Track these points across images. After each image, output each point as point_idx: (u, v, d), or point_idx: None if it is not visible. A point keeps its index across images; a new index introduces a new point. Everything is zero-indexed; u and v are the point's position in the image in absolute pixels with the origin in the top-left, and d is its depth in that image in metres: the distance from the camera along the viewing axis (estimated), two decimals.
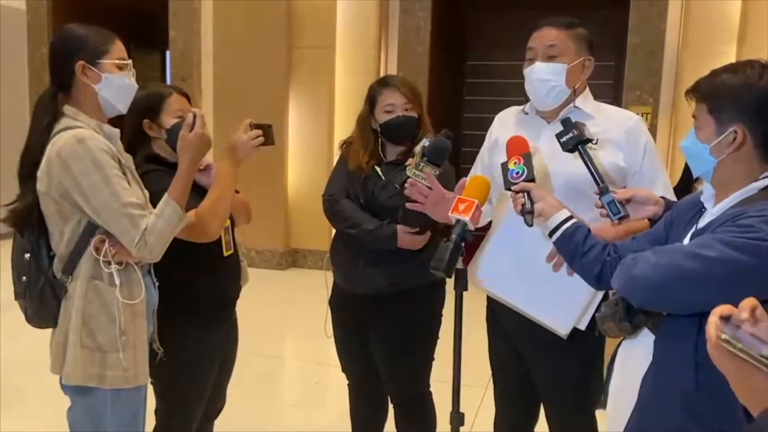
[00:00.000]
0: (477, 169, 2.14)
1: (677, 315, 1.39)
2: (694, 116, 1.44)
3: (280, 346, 4.46)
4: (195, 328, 2.03)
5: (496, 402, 2.17)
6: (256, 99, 5.75)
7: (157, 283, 1.89)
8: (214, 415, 2.27)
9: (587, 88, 1.98)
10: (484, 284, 1.99)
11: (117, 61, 1.78)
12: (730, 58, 4.64)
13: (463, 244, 1.64)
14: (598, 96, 2.02)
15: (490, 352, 2.16)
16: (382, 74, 5.60)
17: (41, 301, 1.77)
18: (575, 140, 1.75)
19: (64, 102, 1.77)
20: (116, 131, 1.84)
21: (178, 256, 1.86)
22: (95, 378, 1.73)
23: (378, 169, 2.30)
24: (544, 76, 1.88)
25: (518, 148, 1.77)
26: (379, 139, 2.32)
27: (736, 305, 1.32)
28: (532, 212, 1.65)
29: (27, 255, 1.77)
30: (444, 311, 2.38)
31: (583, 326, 1.84)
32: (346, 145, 2.43)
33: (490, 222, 2.10)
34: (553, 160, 1.88)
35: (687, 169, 3.47)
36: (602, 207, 1.70)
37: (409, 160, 2.08)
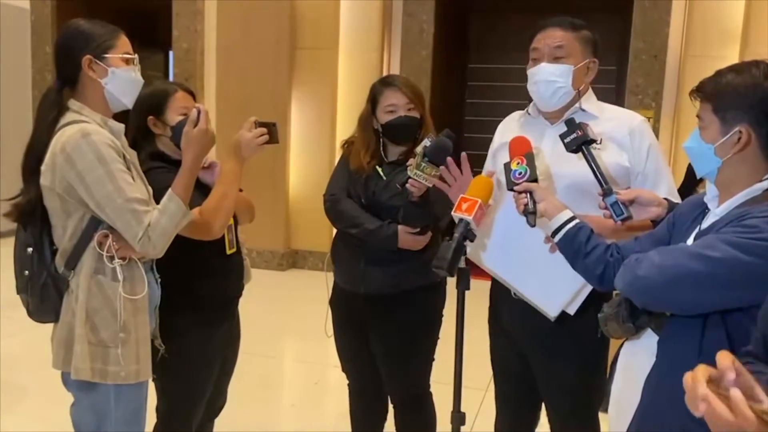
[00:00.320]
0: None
1: (681, 316, 1.39)
2: (698, 116, 1.43)
3: (280, 347, 4.45)
4: (197, 326, 2.03)
5: (497, 403, 2.17)
6: (259, 99, 5.75)
7: (159, 280, 1.89)
8: (214, 413, 2.27)
9: (590, 89, 1.97)
10: (482, 260, 1.98)
11: (123, 55, 1.78)
12: (733, 62, 4.61)
13: (465, 243, 1.64)
14: (600, 100, 2.02)
15: (491, 352, 2.15)
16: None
17: (43, 295, 1.77)
18: (579, 141, 1.75)
19: (70, 96, 1.78)
20: (121, 126, 1.84)
21: (182, 254, 1.86)
22: (98, 373, 1.73)
23: (379, 169, 2.30)
24: (550, 77, 1.87)
25: (521, 148, 1.77)
26: (381, 139, 2.32)
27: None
28: (534, 212, 1.64)
29: (30, 249, 1.77)
30: (444, 312, 2.38)
31: (572, 311, 1.83)
32: (348, 144, 2.43)
33: None
34: (557, 160, 1.88)
35: (689, 173, 3.47)
36: (605, 208, 1.70)
37: (410, 160, 2.09)
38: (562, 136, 1.78)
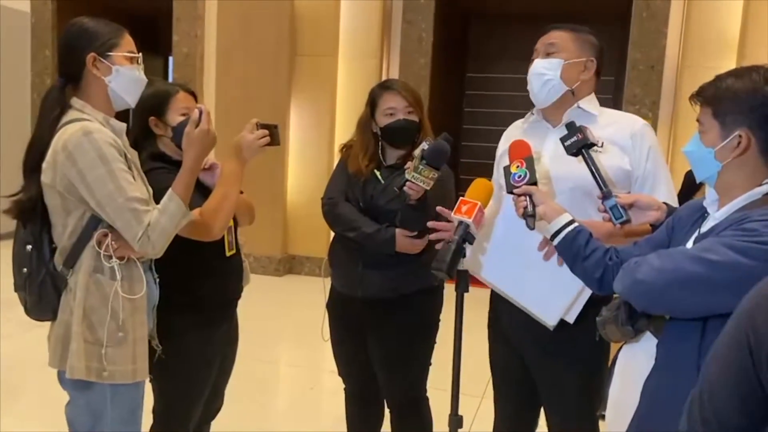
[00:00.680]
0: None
1: (680, 319, 1.40)
2: (698, 120, 1.44)
3: (276, 352, 4.44)
4: (196, 327, 2.02)
5: (496, 406, 2.16)
6: (258, 105, 5.76)
7: (158, 280, 1.89)
8: (211, 415, 2.26)
9: (593, 94, 1.98)
10: (480, 271, 1.98)
11: (127, 54, 1.79)
12: None
13: (465, 246, 1.65)
14: None
15: (490, 355, 2.15)
16: None
17: (41, 293, 1.76)
18: (579, 144, 1.76)
19: (72, 95, 1.78)
20: (123, 125, 1.84)
21: (181, 254, 1.86)
22: (94, 372, 1.72)
23: (377, 172, 2.31)
24: (540, 70, 1.91)
25: (521, 151, 1.78)
26: (380, 143, 2.32)
27: None
28: (533, 215, 1.65)
29: (29, 247, 1.77)
30: (441, 316, 2.38)
31: (571, 319, 1.83)
32: (346, 148, 2.44)
33: None
34: (559, 163, 1.89)
35: (686, 181, 3.48)
36: (605, 211, 1.71)
37: (408, 164, 2.09)
38: (563, 139, 1.79)
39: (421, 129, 2.29)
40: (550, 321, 1.85)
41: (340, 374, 2.50)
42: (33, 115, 6.53)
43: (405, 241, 2.21)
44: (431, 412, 2.42)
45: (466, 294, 1.66)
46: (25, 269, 1.77)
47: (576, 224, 1.61)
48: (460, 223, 1.66)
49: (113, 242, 1.74)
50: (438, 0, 5.78)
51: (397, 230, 2.21)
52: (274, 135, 2.00)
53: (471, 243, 1.68)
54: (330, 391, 3.56)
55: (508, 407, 2.13)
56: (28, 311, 1.82)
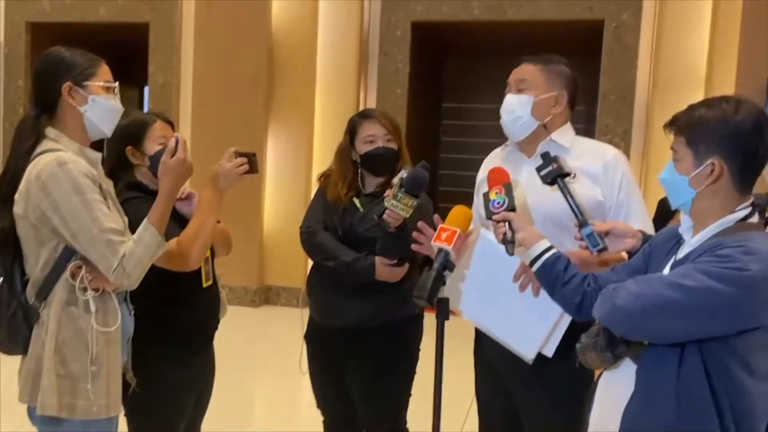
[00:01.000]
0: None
1: (659, 345, 1.41)
2: (672, 148, 1.47)
3: (253, 385, 4.36)
4: (171, 360, 1.99)
5: None
6: (235, 135, 5.74)
7: (132, 312, 1.85)
8: None
9: (568, 123, 2.01)
10: (458, 305, 1.98)
11: (104, 84, 1.78)
12: None
13: (445, 273, 1.65)
14: None
15: (476, 383, 2.13)
16: None
17: (11, 326, 1.72)
18: (554, 173, 1.78)
19: (47, 124, 1.76)
20: (98, 155, 1.82)
21: (157, 285, 1.83)
22: (66, 408, 1.67)
23: (356, 201, 2.31)
24: (511, 107, 1.95)
25: (499, 178, 1.79)
26: (359, 171, 2.33)
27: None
28: (513, 242, 1.66)
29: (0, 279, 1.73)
30: (421, 345, 2.36)
31: (549, 353, 1.83)
32: (324, 177, 2.44)
33: None
34: (533, 193, 1.91)
35: (660, 208, 3.54)
36: (581, 239, 1.72)
37: (388, 191, 2.10)
38: (538, 169, 1.81)
39: (400, 157, 2.31)
40: (528, 355, 1.85)
41: (318, 406, 2.46)
42: (5, 144, 6.44)
43: (384, 270, 2.21)
44: None
45: (447, 322, 1.65)
46: None
47: (555, 250, 1.63)
48: (440, 250, 1.67)
49: (87, 274, 1.71)
50: (414, 32, 5.88)
51: (377, 258, 2.21)
52: (252, 163, 1.99)
53: (451, 270, 1.68)
54: (309, 425, 3.49)
55: None
56: None
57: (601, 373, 1.63)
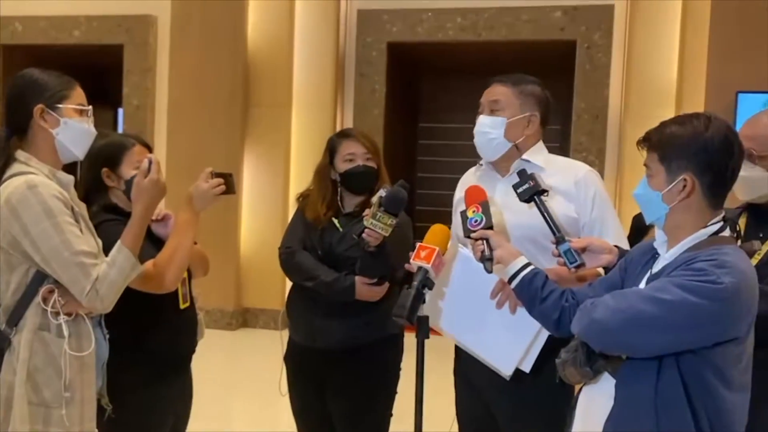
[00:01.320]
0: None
1: (636, 358, 1.42)
2: (645, 165, 1.50)
3: (231, 410, 4.29)
4: (147, 384, 1.95)
5: None
6: (211, 156, 5.69)
7: (107, 335, 1.82)
8: None
9: (540, 142, 2.04)
10: (438, 322, 1.98)
11: (77, 106, 1.76)
12: None
13: (424, 291, 1.65)
14: None
15: (456, 401, 2.13)
16: None
17: None
18: (531, 191, 1.80)
19: (17, 147, 1.73)
20: (70, 178, 1.79)
21: (132, 308, 1.80)
22: None
23: (335, 220, 2.31)
24: (484, 128, 1.97)
25: (476, 196, 1.81)
26: (338, 190, 2.33)
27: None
28: (491, 259, 1.67)
29: None
30: (402, 365, 2.35)
31: (527, 368, 1.84)
32: (303, 197, 2.44)
33: None
34: (508, 212, 1.93)
35: (634, 224, 3.59)
36: (559, 255, 1.73)
37: (367, 211, 2.10)
38: (515, 186, 1.83)
39: (379, 176, 2.32)
40: (506, 371, 1.86)
41: (299, 429, 2.43)
42: None
43: (364, 289, 2.20)
44: None
45: (428, 343, 1.65)
46: None
47: (532, 267, 1.64)
48: (419, 268, 1.68)
49: (60, 298, 1.67)
50: (390, 53, 5.93)
51: (357, 278, 2.20)
52: (229, 183, 1.98)
53: (430, 288, 1.69)
54: None
55: None
56: None
57: (581, 388, 1.63)
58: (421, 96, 8.14)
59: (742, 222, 1.82)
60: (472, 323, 1.89)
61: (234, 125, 5.85)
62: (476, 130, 1.98)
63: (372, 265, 2.15)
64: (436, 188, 7.53)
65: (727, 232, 1.47)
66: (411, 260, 1.69)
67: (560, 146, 6.70)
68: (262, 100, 5.91)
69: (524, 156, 1.98)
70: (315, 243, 2.30)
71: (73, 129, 1.75)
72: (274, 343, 2.43)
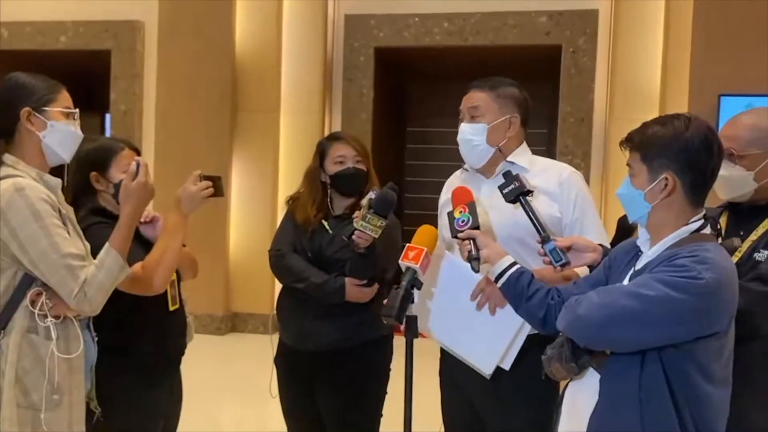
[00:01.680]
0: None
1: (620, 353, 1.44)
2: (628, 164, 1.53)
3: (221, 413, 4.28)
4: (137, 386, 1.95)
5: None
6: (199, 161, 5.68)
7: (96, 338, 1.82)
8: None
9: (524, 144, 2.07)
10: (425, 325, 2.00)
11: (63, 109, 1.76)
12: None
13: (413, 291, 1.67)
14: None
15: (442, 403, 2.14)
16: None
17: None
18: (517, 191, 1.82)
19: (4, 150, 1.74)
20: (57, 181, 1.80)
21: (121, 310, 1.81)
22: None
23: (325, 223, 2.32)
24: (467, 136, 1.99)
25: (463, 197, 1.84)
26: (328, 192, 2.34)
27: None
28: (478, 258, 1.69)
29: None
30: (391, 366, 2.37)
31: (507, 366, 1.86)
32: (293, 200, 2.45)
33: None
34: (493, 213, 1.95)
35: (619, 226, 3.63)
36: (545, 254, 1.76)
37: (356, 213, 2.12)
38: (501, 187, 1.85)
39: (369, 179, 2.34)
40: (486, 370, 1.89)
41: (289, 430, 2.43)
42: None
43: (354, 290, 2.22)
44: None
45: (417, 345, 1.67)
46: None
47: (518, 266, 1.66)
48: (408, 269, 1.70)
49: (48, 300, 1.68)
50: (377, 58, 5.96)
51: (347, 279, 2.22)
52: (217, 186, 1.99)
53: (419, 288, 1.71)
54: None
55: None
56: None
57: (566, 385, 1.66)
58: (408, 100, 8.18)
59: (723, 221, 1.85)
60: (455, 325, 1.92)
61: (222, 130, 5.85)
62: (459, 138, 2.01)
63: (362, 267, 2.17)
64: (425, 192, 7.55)
65: (708, 230, 1.50)
66: (400, 260, 1.72)
67: (546, 149, 6.75)
68: (251, 105, 5.91)
69: (509, 158, 2.00)
70: (305, 245, 2.31)
71: (60, 132, 1.75)
72: (263, 348, 2.44)
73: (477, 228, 1.74)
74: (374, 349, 2.31)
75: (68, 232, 1.71)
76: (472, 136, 1.98)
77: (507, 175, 1.87)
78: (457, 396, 2.06)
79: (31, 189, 1.66)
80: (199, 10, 5.75)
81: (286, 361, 2.38)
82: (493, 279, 1.68)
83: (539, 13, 5.55)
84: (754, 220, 1.75)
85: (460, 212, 1.79)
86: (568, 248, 1.76)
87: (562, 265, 1.74)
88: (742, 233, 1.76)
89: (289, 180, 5.68)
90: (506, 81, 2.04)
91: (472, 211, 1.78)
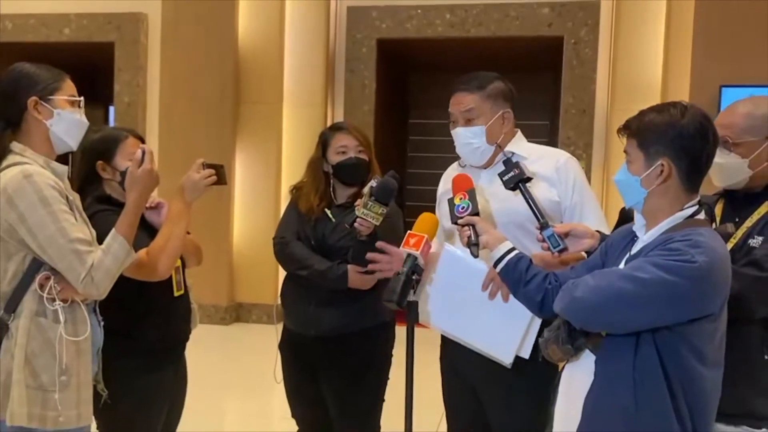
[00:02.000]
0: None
1: (615, 335, 1.47)
2: (625, 151, 1.56)
3: (226, 402, 4.33)
4: (142, 370, 1.99)
5: None
6: (202, 152, 5.66)
7: (102, 322, 1.86)
8: None
9: (519, 132, 2.09)
10: (430, 320, 2.02)
11: (69, 98, 1.80)
12: None
13: (414, 277, 1.70)
14: None
15: (443, 389, 2.16)
16: None
17: None
18: (516, 178, 1.85)
19: (12, 139, 1.77)
20: (64, 168, 1.83)
21: (127, 295, 1.84)
22: (36, 418, 1.66)
23: (328, 211, 2.36)
24: (467, 140, 2.01)
25: (463, 184, 1.87)
26: (331, 182, 2.38)
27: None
28: (477, 244, 1.72)
29: None
30: (393, 352, 2.40)
31: (526, 354, 1.88)
32: (296, 189, 2.48)
33: None
34: (492, 200, 1.98)
35: (621, 216, 3.64)
36: (543, 240, 1.79)
37: (358, 201, 2.15)
38: (501, 174, 1.88)
39: (371, 168, 2.37)
40: (506, 359, 1.89)
41: (293, 416, 2.48)
42: None
43: (357, 277, 2.25)
44: None
45: (419, 333, 1.70)
46: None
47: (517, 251, 1.70)
48: (409, 255, 1.73)
49: (56, 284, 1.71)
50: (380, 49, 5.98)
51: (349, 266, 2.25)
52: (220, 174, 2.02)
53: (419, 274, 1.75)
54: None
55: None
56: None
57: (563, 367, 1.69)
58: (410, 92, 8.19)
59: (719, 208, 1.87)
60: (466, 316, 1.93)
61: (225, 122, 5.87)
62: (458, 142, 2.02)
63: (364, 254, 2.20)
64: (427, 183, 7.57)
65: (702, 216, 1.53)
66: (401, 247, 1.75)
67: (548, 141, 6.77)
68: (254, 97, 5.94)
69: (507, 149, 2.03)
70: (308, 233, 2.35)
71: (66, 120, 1.78)
72: (267, 338, 2.47)
73: (477, 214, 1.78)
74: (376, 334, 2.34)
75: (75, 218, 1.74)
76: (471, 140, 2.00)
77: (507, 162, 1.89)
78: (458, 382, 2.09)
79: (39, 175, 1.70)
80: (202, 2, 5.77)
81: (289, 347, 2.42)
82: (492, 264, 1.71)
83: (541, 5, 5.56)
84: (749, 207, 1.78)
85: (461, 199, 1.82)
86: (566, 234, 1.79)
87: (560, 251, 1.77)
88: (737, 220, 1.78)
89: (291, 170, 5.70)
90: (489, 76, 2.05)
91: (472, 197, 1.81)
